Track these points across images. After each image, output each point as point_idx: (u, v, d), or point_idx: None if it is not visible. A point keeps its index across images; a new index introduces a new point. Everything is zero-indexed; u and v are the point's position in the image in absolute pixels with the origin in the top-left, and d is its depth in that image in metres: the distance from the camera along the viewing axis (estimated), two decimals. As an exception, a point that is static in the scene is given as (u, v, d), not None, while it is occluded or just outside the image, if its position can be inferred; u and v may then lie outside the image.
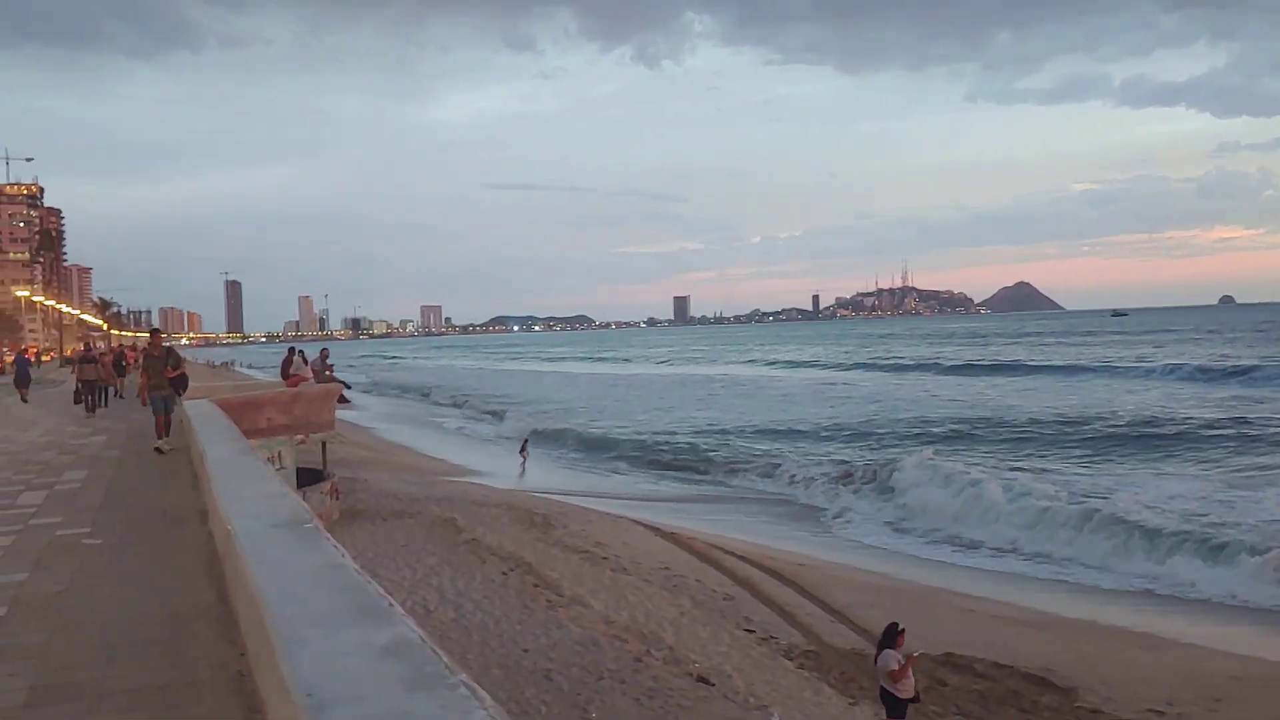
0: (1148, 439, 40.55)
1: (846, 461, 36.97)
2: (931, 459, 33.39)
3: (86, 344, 36.93)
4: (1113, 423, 45.91)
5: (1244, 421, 44.32)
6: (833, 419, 53.42)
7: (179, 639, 5.13)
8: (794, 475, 35.02)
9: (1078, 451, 38.68)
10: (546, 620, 15.36)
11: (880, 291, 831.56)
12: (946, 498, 28.67)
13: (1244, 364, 74.84)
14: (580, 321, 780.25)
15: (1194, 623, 17.90)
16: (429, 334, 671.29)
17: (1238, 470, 32.92)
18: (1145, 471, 33.16)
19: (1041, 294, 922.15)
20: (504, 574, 18.62)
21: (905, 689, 10.30)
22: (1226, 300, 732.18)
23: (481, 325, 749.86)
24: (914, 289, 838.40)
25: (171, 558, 7.10)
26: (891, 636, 10.49)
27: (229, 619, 5.26)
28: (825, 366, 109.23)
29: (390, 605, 3.61)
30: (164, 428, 14.63)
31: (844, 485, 32.37)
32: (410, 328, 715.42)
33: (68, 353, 78.14)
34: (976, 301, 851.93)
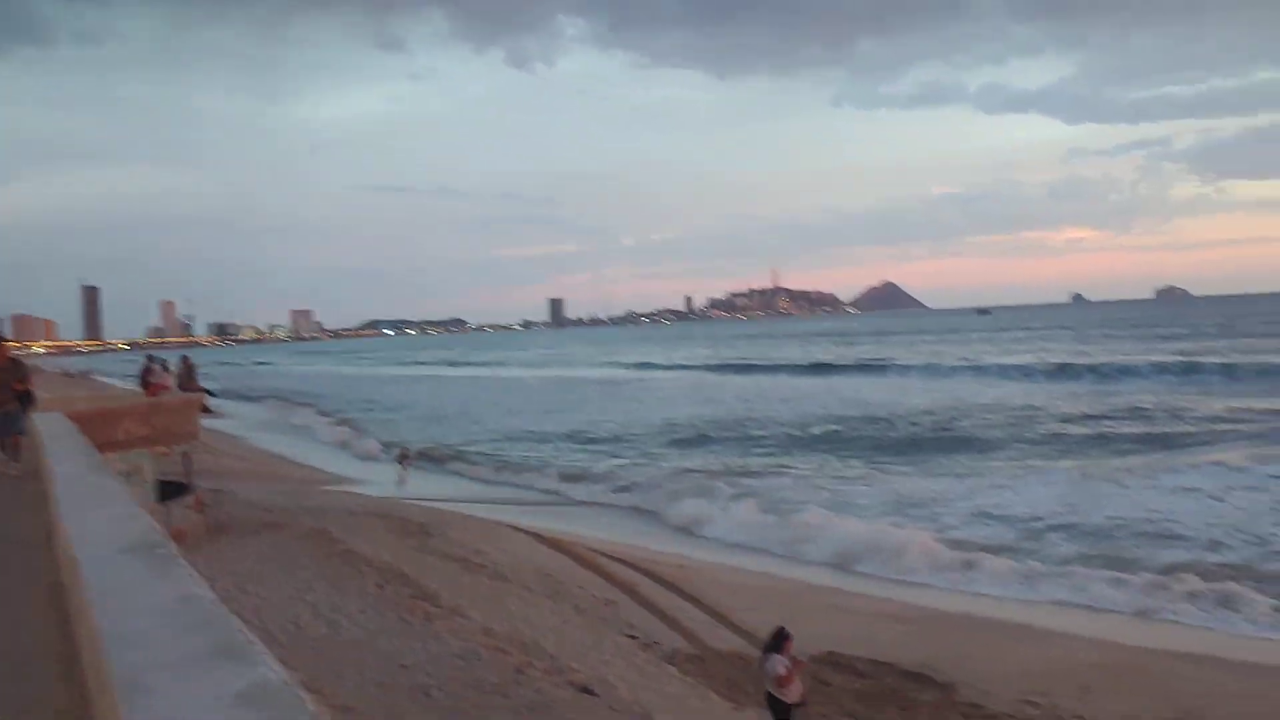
0: (1002, 441, 41.58)
1: (704, 466, 37.06)
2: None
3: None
4: (976, 422, 47.36)
5: (1098, 419, 46.25)
6: (697, 419, 53.96)
7: (15, 683, 4.67)
8: (653, 479, 34.81)
9: (935, 454, 39.07)
10: (425, 633, 14.91)
11: (752, 292, 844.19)
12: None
13: (1098, 361, 78.16)
14: (455, 325, 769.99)
15: (1061, 614, 18.41)
16: (300, 339, 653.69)
17: (1090, 469, 34.05)
18: (1002, 473, 33.73)
19: (907, 294, 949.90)
20: (380, 586, 18.06)
21: (792, 693, 10.25)
22: (1078, 298, 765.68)
23: (354, 330, 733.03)
24: (784, 290, 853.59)
25: (11, 589, 6.54)
26: (779, 641, 10.43)
27: (73, 659, 4.80)
28: (691, 368, 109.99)
29: (251, 643, 3.27)
30: (14, 450, 13.61)
31: (703, 487, 32.29)
32: (280, 333, 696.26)
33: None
34: (845, 301, 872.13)
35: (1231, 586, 18.64)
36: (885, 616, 17.88)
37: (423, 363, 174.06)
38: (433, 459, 44.44)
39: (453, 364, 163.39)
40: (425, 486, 35.84)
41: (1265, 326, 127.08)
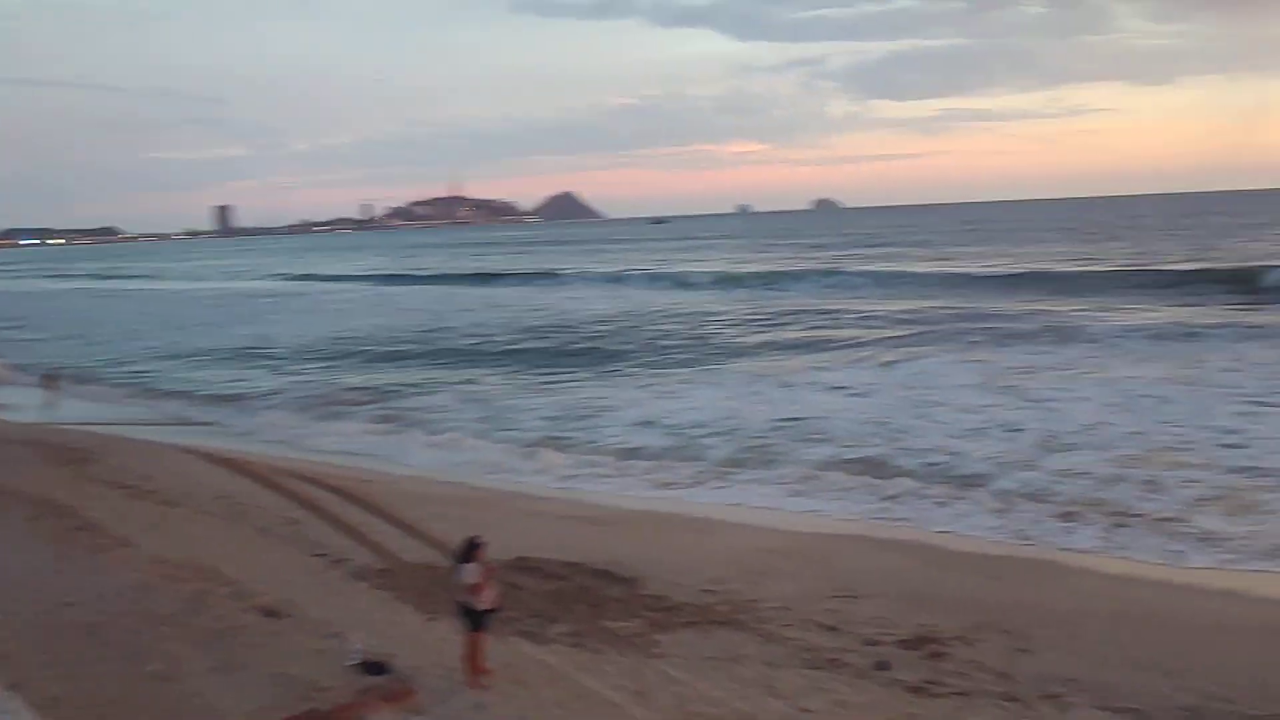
0: (676, 347, 43.20)
1: (370, 383, 36.42)
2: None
3: None
4: (652, 330, 49.36)
5: (765, 323, 49.48)
6: (374, 332, 53.24)
7: None
8: (301, 399, 33.85)
9: (612, 363, 39.69)
10: (90, 567, 13.94)
11: (433, 200, 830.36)
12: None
13: (765, 269, 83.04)
14: (108, 234, 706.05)
15: (728, 510, 19.64)
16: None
17: (757, 371, 36.16)
18: (675, 379, 34.86)
19: (584, 203, 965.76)
20: (32, 519, 16.71)
21: (485, 600, 10.38)
22: (744, 209, 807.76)
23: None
24: (465, 198, 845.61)
25: None
26: (470, 550, 10.48)
27: None
28: (370, 278, 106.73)
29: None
30: None
31: (342, 409, 31.67)
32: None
33: None
34: (525, 210, 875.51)
35: (869, 479, 20.57)
36: (572, 519, 18.43)
37: (70, 275, 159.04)
38: (80, 381, 40.78)
39: (105, 276, 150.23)
40: (79, 410, 33.11)
41: (905, 236, 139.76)
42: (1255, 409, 24.87)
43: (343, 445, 26.99)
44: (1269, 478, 19.09)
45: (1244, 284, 52.87)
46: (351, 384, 36.49)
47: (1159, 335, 37.65)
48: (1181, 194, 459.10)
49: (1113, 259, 75.62)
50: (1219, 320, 40.71)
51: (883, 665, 11.46)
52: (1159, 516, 17.24)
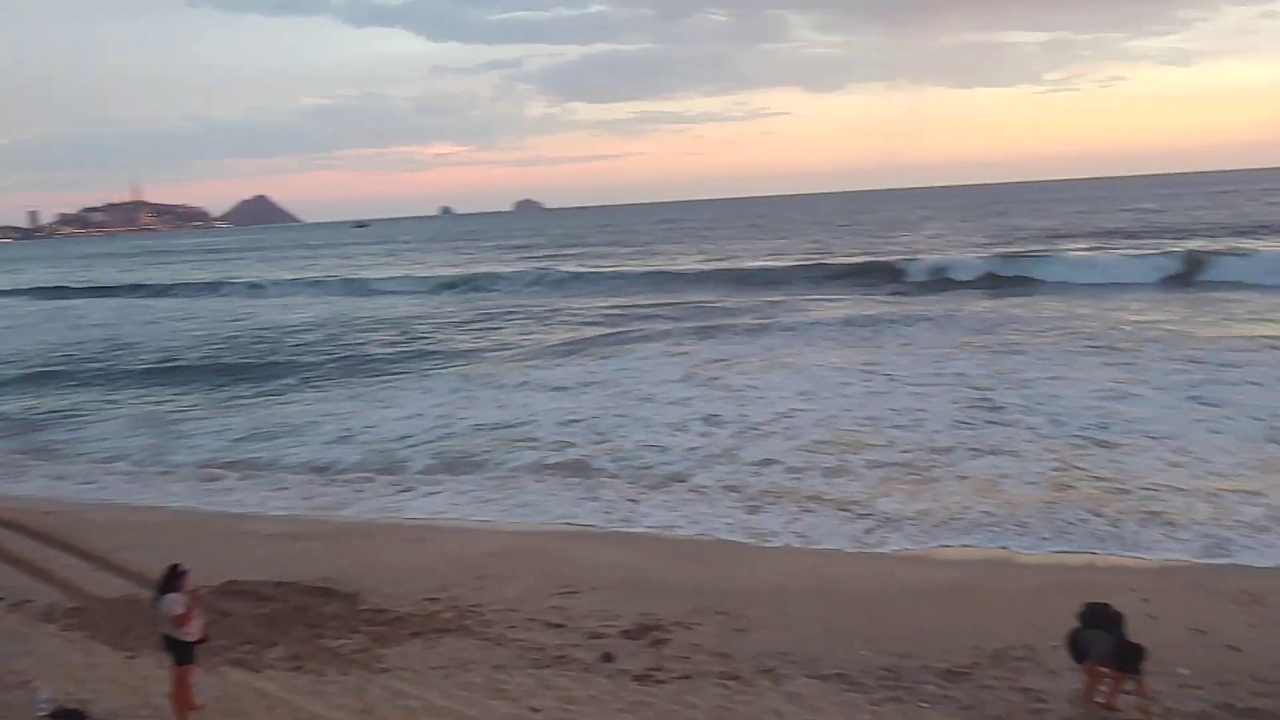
0: (386, 357, 41.96)
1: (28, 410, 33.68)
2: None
3: None
4: (359, 338, 48.10)
5: (475, 327, 49.36)
6: (44, 350, 49.14)
7: None
8: None
9: (316, 374, 38.04)
10: None
11: (110, 206, 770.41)
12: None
13: (471, 271, 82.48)
14: None
15: (448, 513, 19.49)
16: None
17: (470, 373, 35.93)
18: (385, 388, 33.74)
19: (280, 207, 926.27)
20: None
21: (192, 631, 9.82)
22: (446, 211, 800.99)
23: None
24: (147, 203, 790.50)
25: None
26: (173, 579, 9.88)
27: None
28: (32, 291, 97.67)
29: None
30: None
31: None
32: None
33: None
34: (215, 216, 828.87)
35: (575, 479, 20.93)
36: (281, 537, 17.70)
37: None
38: None
39: None
40: None
41: (606, 235, 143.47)
42: (925, 389, 27.18)
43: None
44: (940, 455, 20.92)
45: (901, 275, 58.72)
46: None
47: (843, 323, 40.33)
48: (855, 192, 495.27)
49: (797, 254, 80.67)
50: (888, 309, 44.28)
51: (608, 657, 11.75)
52: (846, 499, 18.48)
